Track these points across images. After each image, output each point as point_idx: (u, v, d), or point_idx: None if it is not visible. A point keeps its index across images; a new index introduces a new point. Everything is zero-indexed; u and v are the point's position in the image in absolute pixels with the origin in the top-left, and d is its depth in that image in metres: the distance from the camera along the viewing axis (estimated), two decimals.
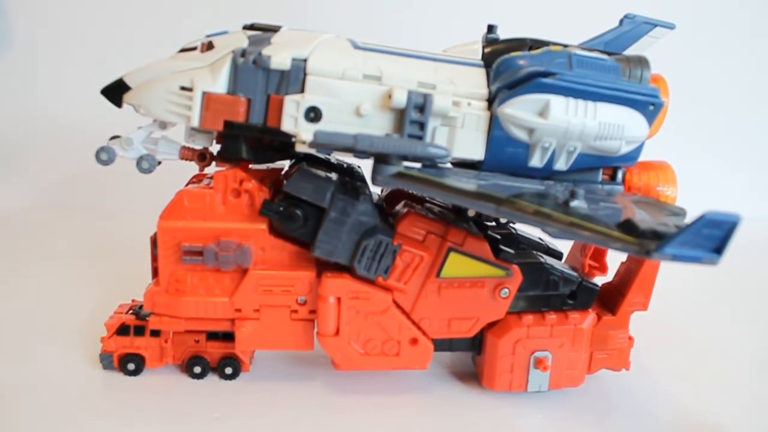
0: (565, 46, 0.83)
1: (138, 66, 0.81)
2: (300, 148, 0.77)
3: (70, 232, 1.54)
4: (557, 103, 0.76)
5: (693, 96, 1.65)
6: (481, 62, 0.84)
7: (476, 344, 0.90)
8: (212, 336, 0.90)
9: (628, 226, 0.63)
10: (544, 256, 0.90)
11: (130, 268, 1.20)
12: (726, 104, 1.93)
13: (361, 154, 0.74)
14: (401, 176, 0.74)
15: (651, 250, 0.59)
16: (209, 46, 0.80)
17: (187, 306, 0.85)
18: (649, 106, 0.79)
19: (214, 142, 0.86)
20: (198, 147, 0.85)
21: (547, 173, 0.81)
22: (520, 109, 0.77)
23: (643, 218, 0.67)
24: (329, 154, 0.88)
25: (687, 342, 1.09)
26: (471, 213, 0.87)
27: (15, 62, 1.76)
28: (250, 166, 0.86)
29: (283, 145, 0.82)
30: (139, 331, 0.90)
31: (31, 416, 0.81)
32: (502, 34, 0.88)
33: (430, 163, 0.77)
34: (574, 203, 0.70)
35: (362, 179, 0.91)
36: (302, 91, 0.78)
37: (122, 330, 0.90)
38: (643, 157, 0.83)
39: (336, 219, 0.81)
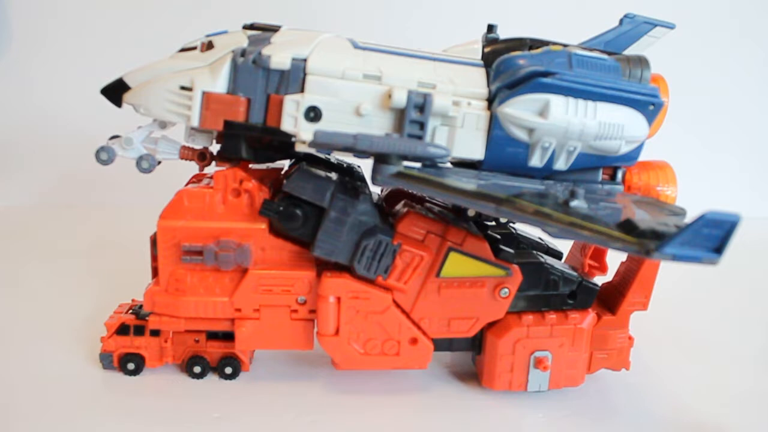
0: (565, 45, 0.83)
1: (138, 66, 0.81)
2: (300, 148, 0.77)
3: (70, 232, 1.55)
4: (557, 102, 0.76)
5: (693, 96, 1.66)
6: (481, 62, 0.84)
7: (476, 344, 0.90)
8: (212, 336, 0.90)
9: (628, 226, 0.63)
10: (544, 256, 0.90)
11: (129, 268, 1.20)
12: (726, 104, 1.93)
13: (361, 153, 0.74)
14: (401, 176, 0.74)
15: (651, 249, 0.59)
16: (209, 46, 0.80)
17: (187, 306, 0.84)
18: (649, 106, 0.79)
19: (214, 141, 0.86)
20: (198, 147, 0.85)
21: (547, 173, 0.81)
22: (520, 109, 0.77)
23: (643, 218, 0.67)
24: (329, 154, 0.88)
25: (687, 342, 1.09)
26: (471, 213, 0.87)
27: (15, 62, 1.76)
28: (250, 165, 0.86)
29: (283, 144, 0.82)
30: (139, 330, 0.90)
31: (30, 416, 0.81)
32: (502, 34, 0.88)
33: (430, 162, 0.77)
34: (574, 203, 0.70)
35: (362, 179, 0.91)
36: (302, 90, 0.77)
37: (122, 330, 0.90)
38: (643, 157, 0.83)
39: (336, 219, 0.81)
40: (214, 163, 0.86)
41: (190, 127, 0.82)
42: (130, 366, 0.90)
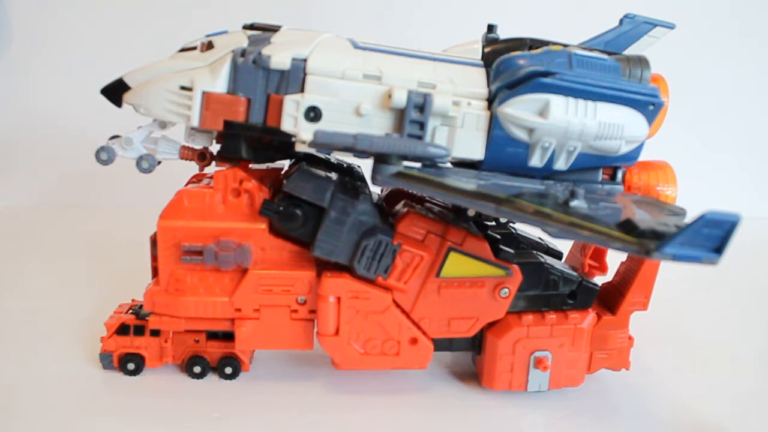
0: (565, 45, 0.83)
1: (138, 66, 0.81)
2: (300, 148, 0.77)
3: (70, 232, 1.54)
4: (557, 102, 0.76)
5: (693, 96, 1.66)
6: (481, 62, 0.84)
7: (476, 344, 0.90)
8: (212, 336, 0.90)
9: (628, 226, 0.63)
10: (544, 256, 0.90)
11: (129, 268, 1.20)
12: (726, 104, 1.93)
13: (361, 153, 0.74)
14: (401, 176, 0.74)
15: (651, 249, 0.59)
16: (209, 46, 0.80)
17: (187, 306, 0.84)
18: (649, 106, 0.79)
19: (214, 141, 0.86)
20: (198, 147, 0.85)
21: (547, 173, 0.81)
22: (520, 109, 0.77)
23: (642, 218, 0.67)
24: (329, 154, 0.88)
25: (687, 342, 1.09)
26: (471, 213, 0.87)
27: (15, 62, 1.76)
28: (250, 165, 0.86)
29: (283, 144, 0.82)
30: (139, 330, 0.90)
31: (30, 416, 0.81)
32: (502, 34, 0.88)
33: (430, 162, 0.77)
34: (574, 203, 0.70)
35: (362, 179, 0.91)
36: (302, 90, 0.77)
37: (122, 330, 0.90)
38: (643, 157, 0.83)
39: (336, 218, 0.81)
40: (214, 163, 0.86)
41: (190, 127, 0.82)
42: (130, 366, 0.90)
